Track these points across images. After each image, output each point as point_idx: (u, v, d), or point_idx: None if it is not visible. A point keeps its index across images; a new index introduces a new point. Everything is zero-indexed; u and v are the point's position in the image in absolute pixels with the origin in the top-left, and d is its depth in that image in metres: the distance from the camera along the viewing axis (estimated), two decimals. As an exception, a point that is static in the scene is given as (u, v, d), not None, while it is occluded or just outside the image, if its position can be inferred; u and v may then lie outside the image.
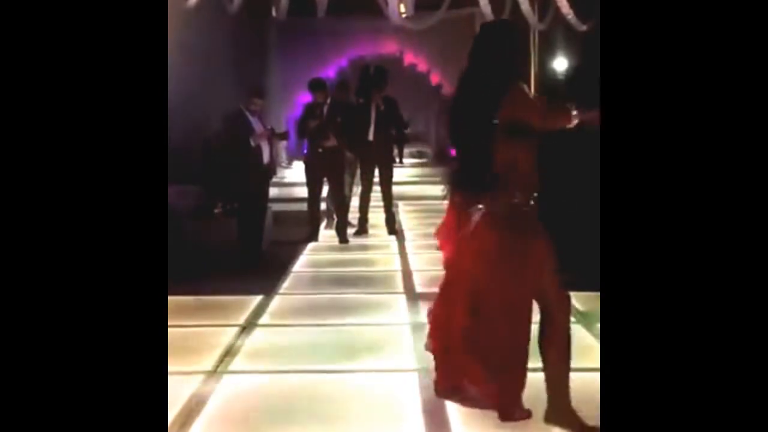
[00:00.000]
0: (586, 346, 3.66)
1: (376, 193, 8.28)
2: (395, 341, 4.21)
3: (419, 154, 18.88)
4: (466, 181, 3.04)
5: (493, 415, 2.86)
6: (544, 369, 2.83)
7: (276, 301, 5.25)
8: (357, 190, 8.46)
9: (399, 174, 10.20)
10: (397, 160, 14.32)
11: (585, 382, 2.93)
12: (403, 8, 13.19)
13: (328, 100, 7.92)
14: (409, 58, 17.86)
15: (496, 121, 2.72)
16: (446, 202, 4.01)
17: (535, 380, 2.84)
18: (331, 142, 7.77)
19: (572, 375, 2.83)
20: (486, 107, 2.74)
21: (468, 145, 2.95)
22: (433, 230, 8.64)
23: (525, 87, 2.81)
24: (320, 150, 7.81)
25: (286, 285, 5.85)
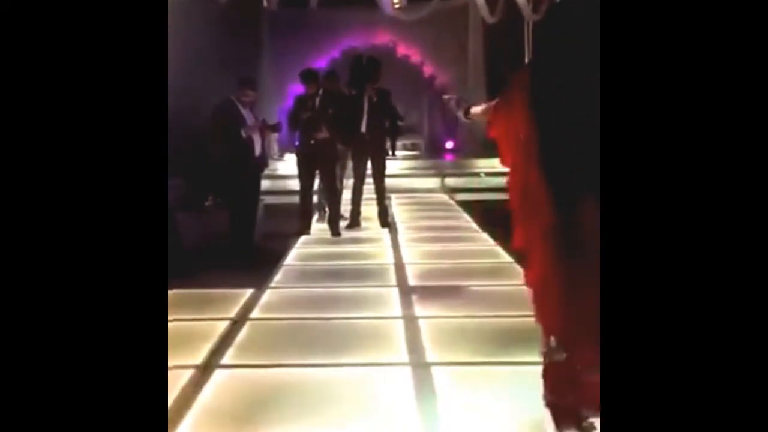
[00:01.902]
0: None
1: (369, 185, 8.24)
2: (388, 335, 4.18)
3: (412, 147, 18.87)
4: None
5: (488, 409, 2.84)
6: None
7: (267, 295, 5.21)
8: (348, 182, 8.42)
9: (392, 166, 10.17)
10: (390, 152, 14.31)
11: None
12: (395, -1, 13.16)
13: (320, 92, 7.86)
14: (401, 50, 17.84)
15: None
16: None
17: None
18: (323, 134, 7.70)
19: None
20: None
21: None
22: (426, 223, 8.76)
23: None
24: (312, 142, 7.74)
25: (277, 278, 5.81)
